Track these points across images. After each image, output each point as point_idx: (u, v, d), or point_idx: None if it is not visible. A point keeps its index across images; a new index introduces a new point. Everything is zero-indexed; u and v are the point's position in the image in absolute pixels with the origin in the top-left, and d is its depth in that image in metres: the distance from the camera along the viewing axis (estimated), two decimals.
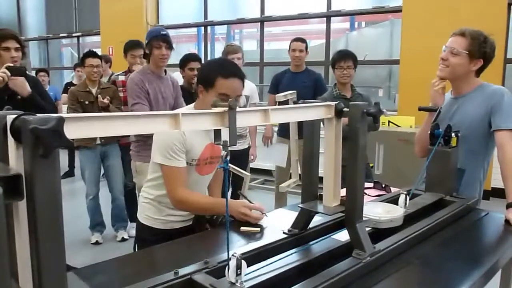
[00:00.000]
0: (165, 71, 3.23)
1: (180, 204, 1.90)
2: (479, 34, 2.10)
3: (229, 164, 3.80)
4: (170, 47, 3.08)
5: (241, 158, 3.82)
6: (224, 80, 1.79)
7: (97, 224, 4.21)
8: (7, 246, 0.68)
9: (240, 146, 3.85)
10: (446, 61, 2.14)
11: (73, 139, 0.78)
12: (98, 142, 3.95)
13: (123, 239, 4.22)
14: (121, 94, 4.03)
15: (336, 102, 1.42)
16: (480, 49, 2.09)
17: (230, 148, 0.98)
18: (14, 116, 0.77)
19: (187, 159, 1.89)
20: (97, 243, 4.14)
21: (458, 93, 2.24)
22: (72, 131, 0.78)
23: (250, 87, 3.94)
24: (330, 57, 6.53)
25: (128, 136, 4.03)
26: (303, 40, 4.13)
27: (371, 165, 4.35)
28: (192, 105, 2.04)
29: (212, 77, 1.81)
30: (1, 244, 0.66)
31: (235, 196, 3.99)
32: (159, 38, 3.04)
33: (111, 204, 4.26)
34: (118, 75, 4.24)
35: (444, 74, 2.18)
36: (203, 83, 1.86)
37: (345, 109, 1.41)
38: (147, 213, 2.03)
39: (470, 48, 2.09)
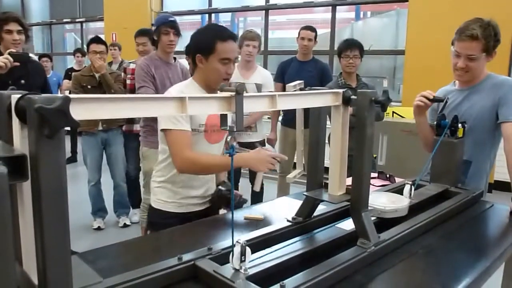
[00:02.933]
0: (175, 58, 3.21)
1: (186, 164, 1.81)
2: (488, 29, 2.01)
3: (243, 148, 3.80)
4: (178, 33, 3.08)
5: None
6: (224, 43, 1.80)
7: (98, 210, 4.23)
8: (11, 228, 0.67)
9: (250, 138, 3.79)
10: (465, 67, 2.08)
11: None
12: (100, 128, 3.95)
13: (125, 225, 4.25)
14: (128, 82, 4.01)
15: (344, 90, 1.40)
16: (495, 44, 2.04)
17: (243, 140, 0.95)
18: (19, 96, 0.76)
19: (194, 125, 1.85)
20: (99, 228, 4.16)
21: (465, 85, 2.21)
22: (77, 112, 0.77)
23: (263, 75, 3.83)
24: (335, 46, 6.51)
25: (132, 123, 4.04)
26: (312, 29, 4.04)
27: (374, 156, 4.33)
28: (189, 80, 1.98)
29: (210, 42, 1.80)
30: (5, 225, 0.65)
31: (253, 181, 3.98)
32: (167, 25, 3.04)
33: (113, 190, 4.27)
34: (130, 62, 4.24)
35: (465, 78, 2.15)
36: (201, 51, 1.84)
37: (353, 97, 1.39)
38: (159, 197, 1.98)
39: (486, 48, 2.02)
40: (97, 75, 3.85)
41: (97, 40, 3.97)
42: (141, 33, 4.15)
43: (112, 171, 4.19)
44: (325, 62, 4.33)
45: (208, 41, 1.81)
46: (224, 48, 1.80)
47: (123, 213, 4.33)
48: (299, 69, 4.03)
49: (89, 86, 3.84)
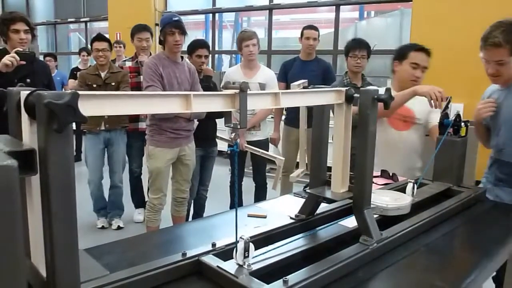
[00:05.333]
0: (182, 57, 3.22)
1: None
2: (509, 32, 1.99)
3: (257, 148, 3.81)
4: (183, 32, 3.08)
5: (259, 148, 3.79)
6: (416, 52, 2.45)
7: (101, 209, 4.17)
8: (21, 221, 0.69)
9: (254, 137, 3.82)
10: (496, 72, 2.08)
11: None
12: (103, 128, 3.90)
13: (119, 228, 4.14)
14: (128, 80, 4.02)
15: (347, 88, 1.42)
16: None
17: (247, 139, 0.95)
18: (28, 92, 0.77)
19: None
20: (103, 228, 4.11)
21: (504, 84, 2.20)
22: (85, 109, 0.78)
23: (267, 74, 3.82)
24: (339, 46, 6.51)
25: (137, 121, 4.04)
26: (316, 28, 4.04)
27: None
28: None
29: (406, 51, 2.47)
30: (15, 219, 0.66)
31: (257, 180, 4.00)
32: (172, 25, 3.04)
33: (108, 190, 4.20)
34: (125, 61, 4.22)
35: (500, 82, 2.16)
36: (398, 58, 2.51)
37: (356, 95, 1.40)
38: None
39: None
40: (103, 74, 3.87)
41: (99, 38, 3.97)
42: (144, 28, 4.13)
43: (111, 171, 4.12)
44: (328, 61, 4.32)
45: (405, 50, 2.48)
46: (415, 55, 2.44)
47: (116, 215, 4.23)
48: (302, 68, 4.03)
49: (94, 85, 3.83)
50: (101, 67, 3.90)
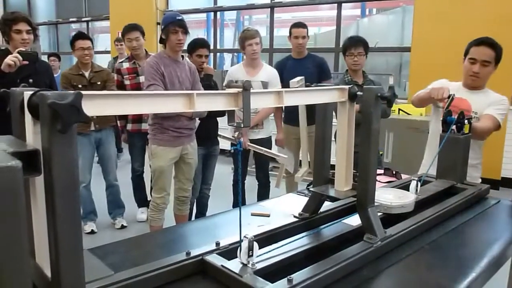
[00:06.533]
0: (182, 56, 3.22)
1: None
2: None
3: (260, 147, 3.79)
4: (186, 31, 3.08)
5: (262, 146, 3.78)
6: (476, 47, 2.40)
7: (89, 213, 4.04)
8: (26, 222, 0.68)
9: (257, 135, 3.81)
10: None
11: None
12: (93, 128, 3.81)
13: (123, 227, 4.08)
14: (128, 82, 3.96)
15: (350, 86, 1.41)
16: None
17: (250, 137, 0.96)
18: (31, 92, 0.77)
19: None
20: (92, 232, 3.97)
21: None
22: (88, 108, 0.78)
23: (269, 72, 3.79)
24: (341, 44, 6.48)
25: (140, 122, 4.03)
26: (304, 26, 3.94)
27: (380, 153, 4.33)
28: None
29: (468, 47, 2.44)
30: (20, 220, 0.66)
31: (260, 178, 4.00)
32: (176, 23, 3.04)
33: (105, 191, 4.13)
34: (121, 62, 4.14)
35: None
36: (464, 54, 2.47)
37: (359, 93, 1.40)
38: None
39: None
40: (86, 74, 3.76)
41: (82, 36, 3.81)
42: (133, 28, 4.05)
43: (105, 171, 4.05)
44: (322, 57, 4.21)
45: (468, 46, 2.45)
46: (474, 50, 2.40)
47: (119, 213, 4.17)
48: (297, 67, 3.91)
49: (80, 85, 3.68)
50: (84, 66, 3.76)
